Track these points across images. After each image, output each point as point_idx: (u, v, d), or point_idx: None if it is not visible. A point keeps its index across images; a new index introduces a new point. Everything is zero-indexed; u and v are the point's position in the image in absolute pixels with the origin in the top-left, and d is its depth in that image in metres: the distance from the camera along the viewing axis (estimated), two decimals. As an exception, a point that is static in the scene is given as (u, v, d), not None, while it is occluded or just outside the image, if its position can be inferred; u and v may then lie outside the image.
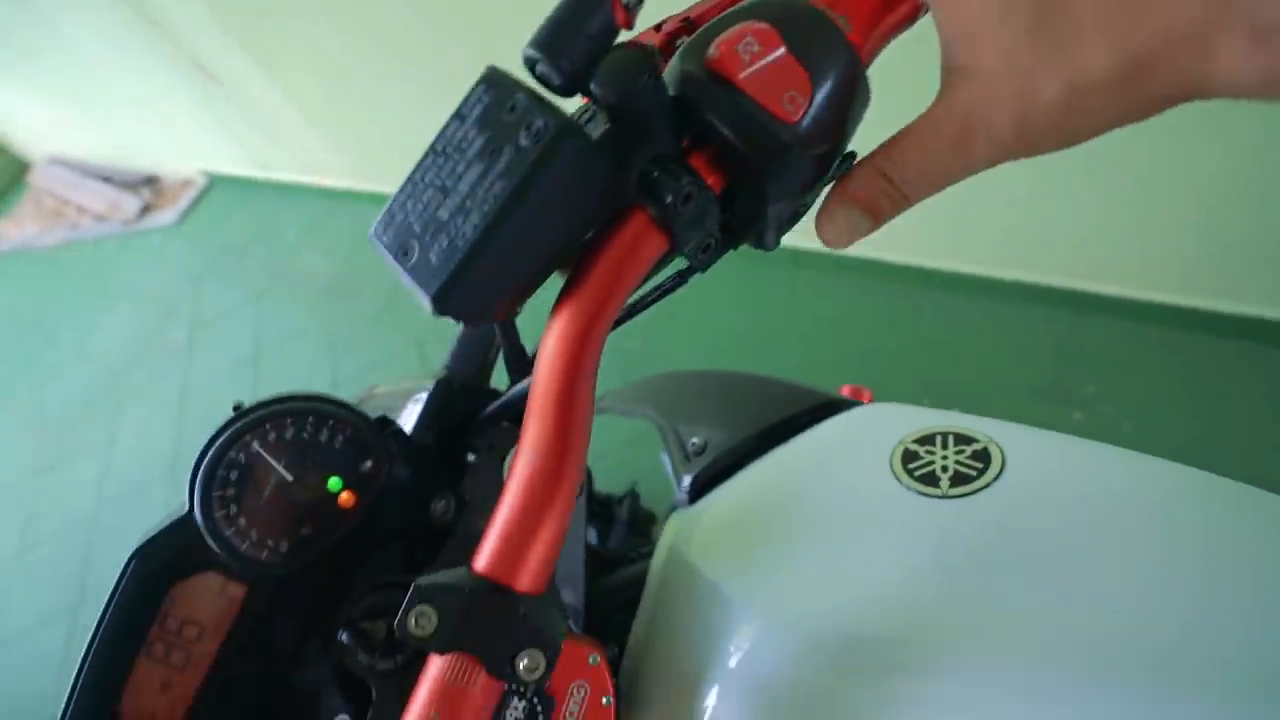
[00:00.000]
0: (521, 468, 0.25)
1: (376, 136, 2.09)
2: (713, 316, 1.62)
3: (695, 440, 0.50)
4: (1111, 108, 0.20)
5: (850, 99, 0.23)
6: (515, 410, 0.39)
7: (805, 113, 0.22)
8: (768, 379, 0.54)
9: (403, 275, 0.22)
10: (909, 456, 0.37)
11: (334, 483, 0.36)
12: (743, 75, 0.21)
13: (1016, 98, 0.20)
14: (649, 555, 0.44)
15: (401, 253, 0.22)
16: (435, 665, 0.25)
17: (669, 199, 0.22)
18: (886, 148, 0.24)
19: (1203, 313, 1.19)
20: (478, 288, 0.22)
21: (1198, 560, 0.28)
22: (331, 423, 0.36)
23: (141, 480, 2.14)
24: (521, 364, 0.38)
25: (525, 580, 0.25)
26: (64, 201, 3.54)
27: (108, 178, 3.39)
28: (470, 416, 0.40)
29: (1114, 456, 0.34)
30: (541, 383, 0.25)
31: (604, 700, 0.33)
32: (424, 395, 0.40)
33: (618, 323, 0.27)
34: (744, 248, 0.28)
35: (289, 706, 0.39)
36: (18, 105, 3.45)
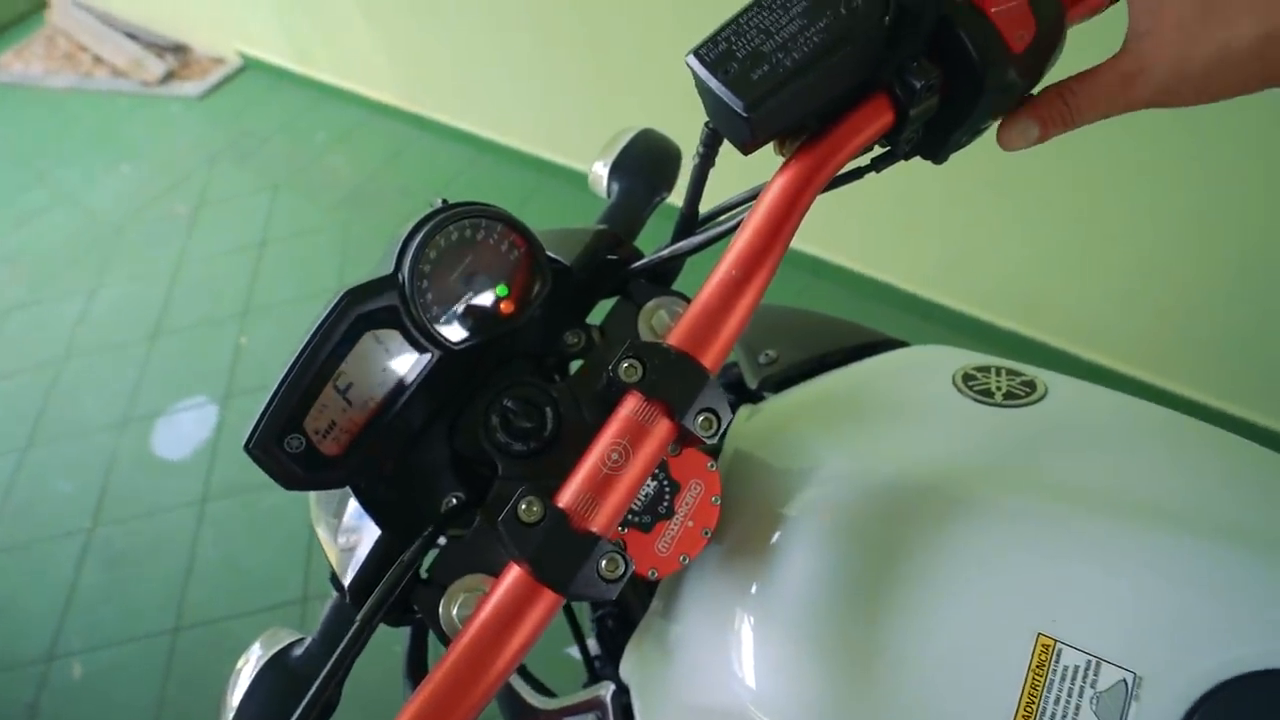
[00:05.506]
0: (725, 268, 0.32)
1: (439, 60, 2.10)
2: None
3: (769, 352, 0.58)
4: (1249, 70, 0.28)
5: (1054, 47, 0.31)
6: (661, 270, 0.46)
7: (1027, 48, 0.30)
8: (839, 318, 0.61)
9: (716, 86, 0.29)
10: (968, 377, 0.46)
11: (501, 289, 0.42)
12: (994, 10, 0.30)
13: (1180, 55, 0.29)
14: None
15: (722, 70, 0.29)
16: (629, 406, 0.31)
17: (919, 84, 0.30)
18: (1070, 79, 0.32)
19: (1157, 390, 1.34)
20: (779, 105, 0.29)
21: (1184, 465, 0.38)
22: (513, 238, 0.42)
23: (118, 339, 2.10)
24: (690, 226, 0.44)
25: (709, 358, 0.32)
26: (80, 48, 3.41)
27: (133, 35, 3.29)
28: (617, 267, 0.47)
29: (1126, 398, 0.43)
30: (763, 205, 0.32)
31: (713, 500, 0.40)
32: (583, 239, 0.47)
33: (824, 189, 0.34)
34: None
35: (408, 482, 0.45)
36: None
